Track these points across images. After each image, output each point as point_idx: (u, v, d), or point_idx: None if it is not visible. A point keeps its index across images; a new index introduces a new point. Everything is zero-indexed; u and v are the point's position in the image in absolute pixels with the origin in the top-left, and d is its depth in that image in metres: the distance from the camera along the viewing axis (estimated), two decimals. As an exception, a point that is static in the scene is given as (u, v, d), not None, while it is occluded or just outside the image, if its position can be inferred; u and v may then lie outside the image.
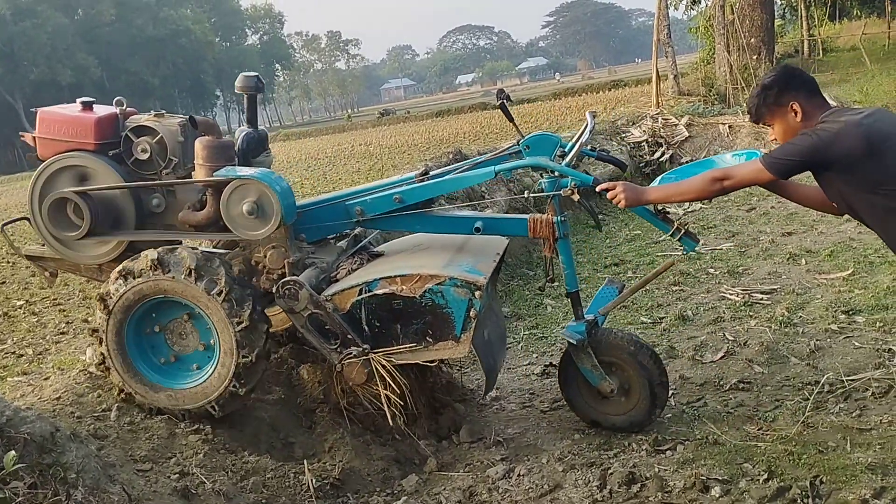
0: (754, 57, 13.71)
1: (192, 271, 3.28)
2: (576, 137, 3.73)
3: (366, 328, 3.40)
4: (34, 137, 3.77)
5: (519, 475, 3.24)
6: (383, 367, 3.32)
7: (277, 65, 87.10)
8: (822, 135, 2.70)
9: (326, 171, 14.31)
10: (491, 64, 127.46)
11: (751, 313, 4.87)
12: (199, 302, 3.32)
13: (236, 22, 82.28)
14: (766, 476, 2.98)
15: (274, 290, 3.40)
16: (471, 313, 3.28)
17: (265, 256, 3.52)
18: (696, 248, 3.52)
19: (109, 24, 63.26)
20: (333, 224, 3.77)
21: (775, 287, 5.32)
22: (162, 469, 3.01)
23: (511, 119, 3.90)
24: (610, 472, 3.11)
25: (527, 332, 5.33)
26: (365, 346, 3.36)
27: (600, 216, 9.16)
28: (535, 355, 4.86)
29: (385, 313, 3.39)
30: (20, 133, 4.02)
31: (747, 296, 5.20)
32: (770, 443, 3.26)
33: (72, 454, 2.61)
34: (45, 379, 3.87)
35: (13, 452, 2.28)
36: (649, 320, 5.14)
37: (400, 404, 3.39)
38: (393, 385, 3.33)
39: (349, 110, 78.77)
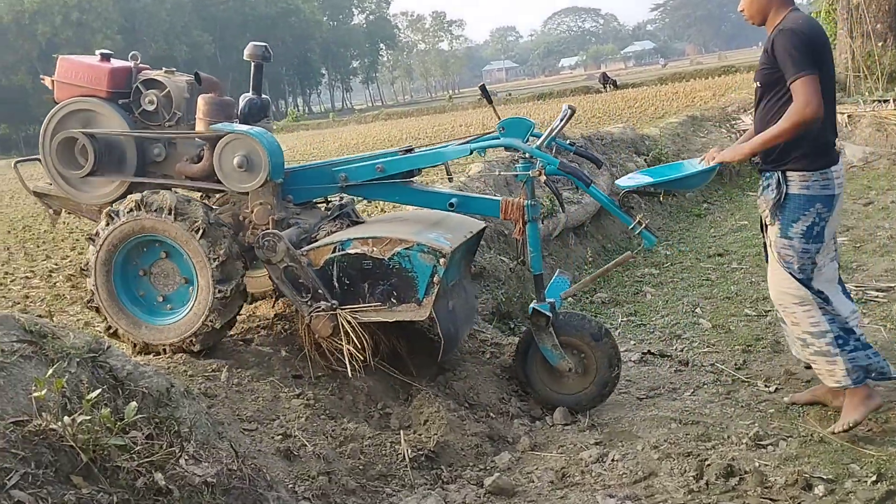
0: (879, 44, 12.96)
1: (172, 210, 3.53)
2: (552, 126, 3.81)
3: (336, 285, 3.59)
4: (52, 80, 4.04)
5: (613, 460, 3.22)
6: (348, 322, 3.49)
7: (382, 44, 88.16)
8: (802, 30, 3.08)
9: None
10: (596, 47, 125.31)
11: (864, 311, 4.66)
12: (178, 239, 3.56)
13: (344, 1, 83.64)
14: (874, 478, 2.86)
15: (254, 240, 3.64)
16: (434, 279, 3.45)
17: (252, 212, 3.75)
18: (655, 244, 3.69)
19: (224, 3, 65.41)
20: (319, 187, 4.00)
21: (892, 285, 5.07)
22: (266, 430, 3.14)
23: (490, 101, 4.07)
24: (707, 463, 3.05)
25: (625, 319, 5.26)
26: (333, 301, 3.54)
27: (705, 205, 8.94)
28: (632, 342, 4.79)
29: (355, 272, 3.57)
30: (41, 76, 4.28)
31: (861, 293, 4.97)
32: (880, 445, 3.13)
33: (185, 409, 2.75)
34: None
35: (134, 403, 2.42)
36: (754, 313, 4.99)
37: (360, 359, 3.50)
38: (356, 340, 3.47)
39: (450, 91, 78.93)
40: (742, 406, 3.69)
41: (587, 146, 8.18)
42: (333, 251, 3.59)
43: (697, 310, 5.22)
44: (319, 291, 3.56)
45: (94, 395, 2.35)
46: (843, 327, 3.25)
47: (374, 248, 3.54)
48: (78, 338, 2.72)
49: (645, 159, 9.02)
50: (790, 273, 3.26)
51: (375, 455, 3.22)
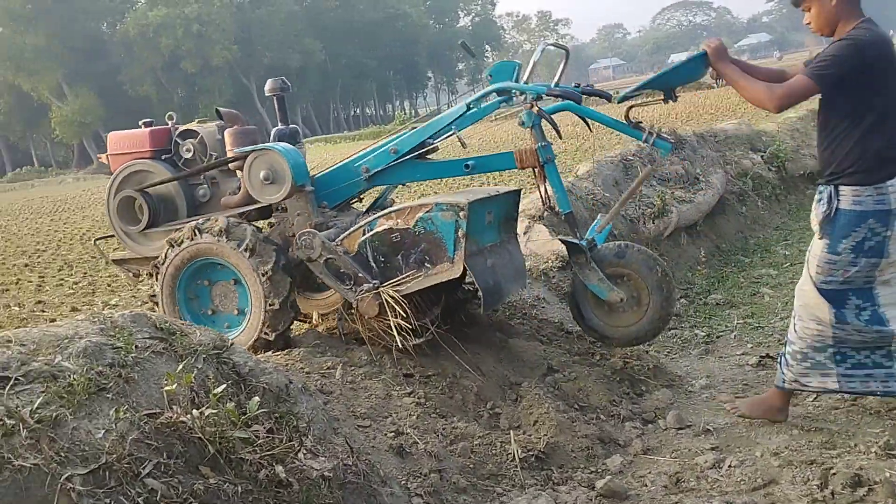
0: None
1: (223, 232, 3.84)
2: (558, 72, 4.02)
3: (373, 265, 3.73)
4: (107, 156, 4.52)
5: (730, 466, 3.12)
6: (392, 297, 3.58)
7: (487, 46, 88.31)
8: (858, 43, 2.97)
9: (533, 152, 14.38)
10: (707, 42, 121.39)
11: None
12: (230, 259, 3.86)
13: (450, 4, 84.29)
14: None
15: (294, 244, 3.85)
16: (459, 233, 3.53)
17: (293, 225, 3.99)
18: (670, 149, 3.68)
19: (333, 10, 67.13)
20: (346, 186, 4.14)
21: None
22: (379, 427, 3.21)
23: (472, 55, 4.40)
24: (832, 472, 2.91)
25: (741, 321, 5.09)
26: (375, 281, 3.66)
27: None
28: (749, 345, 4.63)
29: (387, 248, 3.70)
30: (97, 155, 4.76)
31: None
32: None
33: (303, 405, 2.85)
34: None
35: (256, 398, 2.53)
36: None
37: (409, 329, 3.57)
38: (401, 313, 3.54)
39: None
40: (870, 413, 3.50)
41: (700, 143, 7.96)
42: (363, 234, 3.75)
43: (819, 312, 5.00)
44: (360, 275, 3.69)
45: (220, 389, 2.46)
46: (853, 348, 3.25)
47: (398, 220, 3.67)
48: (204, 335, 2.85)
49: (762, 156, 8.70)
50: (819, 289, 3.23)
51: (486, 454, 3.23)
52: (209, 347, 2.77)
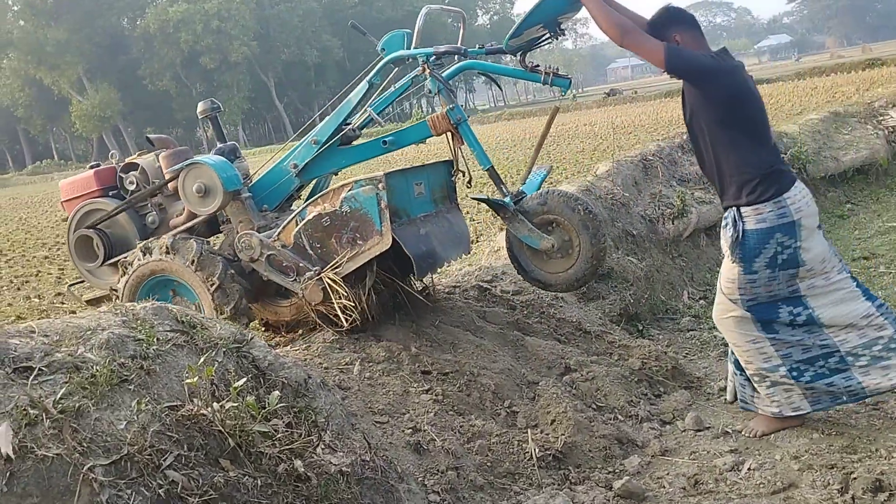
0: None
1: (168, 249, 4.04)
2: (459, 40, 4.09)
3: (311, 253, 3.84)
4: (62, 203, 4.80)
5: (749, 469, 3.10)
6: (333, 281, 3.70)
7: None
8: (721, 63, 3.21)
9: (550, 151, 14.32)
10: (727, 42, 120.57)
11: None
12: (179, 273, 4.05)
13: (468, 2, 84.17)
14: None
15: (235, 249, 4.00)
16: (381, 205, 3.62)
17: (238, 232, 4.11)
18: (569, 86, 3.81)
19: (352, 7, 67.19)
20: (280, 185, 4.29)
21: None
22: (397, 423, 3.21)
23: (364, 32, 4.48)
24: (853, 476, 2.88)
25: (760, 323, 5.04)
26: (315, 268, 3.80)
27: (848, 205, 8.44)
28: (768, 348, 4.59)
29: (320, 234, 3.81)
30: (60, 202, 4.92)
31: None
32: None
33: (321, 400, 2.85)
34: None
35: (277, 393, 2.54)
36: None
37: (354, 309, 3.71)
38: (344, 295, 3.67)
39: (574, 90, 77.99)
40: (892, 418, 3.46)
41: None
42: (296, 224, 3.86)
43: (841, 315, 4.95)
44: (301, 265, 3.83)
45: (240, 383, 2.47)
46: (801, 360, 3.30)
47: (326, 204, 3.78)
48: (224, 329, 2.86)
49: (783, 158, 8.62)
50: (747, 309, 3.29)
51: (503, 452, 3.23)
52: (229, 341, 2.78)
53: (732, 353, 3.52)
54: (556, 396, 3.59)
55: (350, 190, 3.70)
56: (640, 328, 4.94)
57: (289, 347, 3.75)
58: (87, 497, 1.96)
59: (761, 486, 2.98)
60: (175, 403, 2.35)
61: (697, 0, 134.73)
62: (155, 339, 2.55)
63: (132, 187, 4.58)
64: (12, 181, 47.96)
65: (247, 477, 2.28)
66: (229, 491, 2.22)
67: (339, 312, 3.69)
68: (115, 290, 4.34)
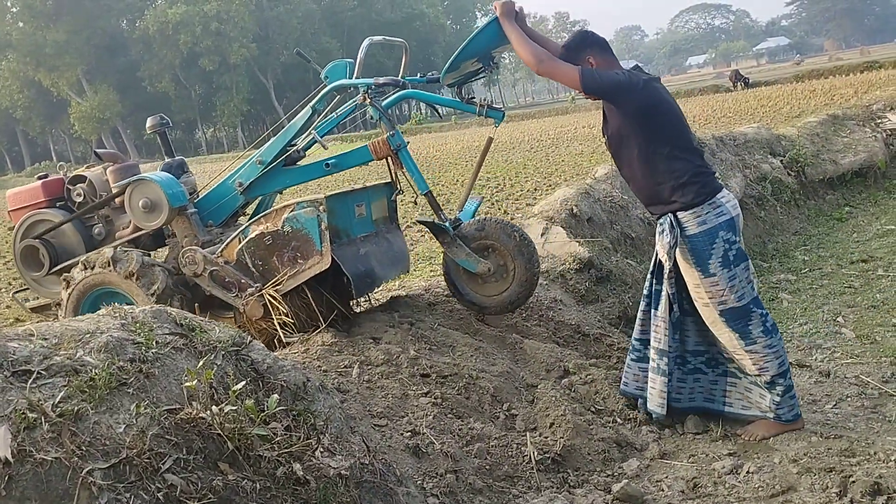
0: None
1: (109, 262, 4.08)
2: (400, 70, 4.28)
3: (253, 270, 3.95)
4: (9, 213, 4.82)
5: (748, 472, 3.10)
6: (273, 297, 3.82)
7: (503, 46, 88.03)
8: (633, 78, 3.33)
9: (549, 153, 14.34)
10: (725, 44, 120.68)
11: None
12: (120, 285, 4.10)
13: (467, 5, 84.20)
14: None
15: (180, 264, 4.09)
16: (322, 226, 3.76)
17: (183, 246, 4.24)
18: (502, 117, 3.95)
19: (352, 10, 67.26)
20: (226, 202, 4.40)
21: None
22: (395, 426, 3.21)
23: (308, 60, 4.64)
24: (852, 480, 2.88)
25: (759, 326, 5.04)
26: (256, 284, 3.91)
27: (847, 208, 8.45)
28: (767, 351, 4.59)
29: (263, 252, 3.92)
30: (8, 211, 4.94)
31: None
32: None
33: (320, 403, 2.85)
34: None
35: (275, 396, 2.53)
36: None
37: (294, 326, 3.83)
38: (283, 310, 3.77)
39: (573, 93, 77.99)
40: (890, 421, 3.47)
41: (718, 146, 7.91)
42: (240, 242, 3.97)
43: (839, 318, 4.96)
44: (242, 281, 3.94)
45: (239, 386, 2.47)
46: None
47: (268, 224, 3.90)
48: (223, 332, 2.86)
49: (781, 160, 8.64)
50: (721, 312, 3.34)
51: (502, 456, 3.23)
52: (228, 344, 2.78)
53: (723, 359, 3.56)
54: (554, 399, 3.59)
55: (292, 211, 3.83)
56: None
57: (287, 350, 3.75)
58: (85, 501, 1.96)
59: (760, 489, 2.98)
60: (174, 407, 2.34)
61: (696, 3, 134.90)
62: (154, 343, 2.55)
63: (79, 199, 4.65)
64: (11, 183, 47.86)
65: (246, 480, 2.28)
66: (228, 494, 2.21)
67: (278, 328, 3.78)
68: (59, 304, 4.39)
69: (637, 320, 3.65)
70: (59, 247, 4.63)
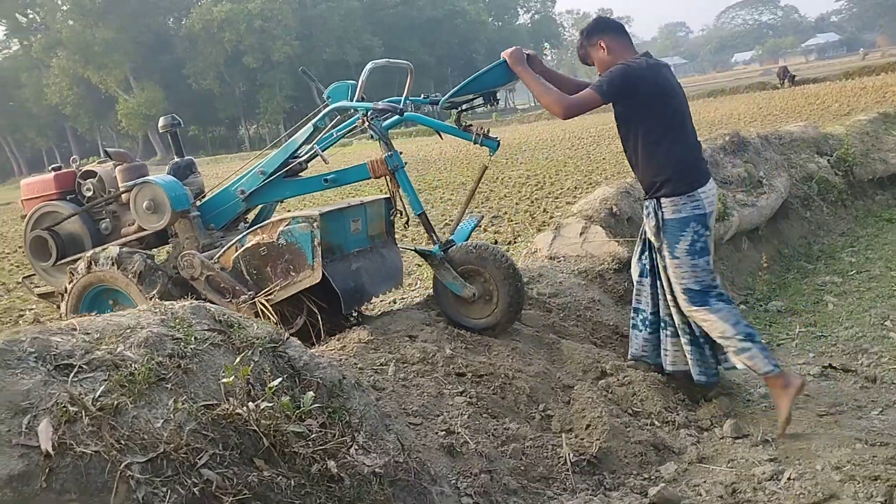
0: None
1: (114, 261, 4.21)
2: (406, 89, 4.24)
3: (248, 278, 4.07)
4: (21, 201, 4.98)
5: (789, 478, 3.04)
6: (264, 307, 3.94)
7: (546, 43, 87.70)
8: (642, 68, 3.51)
9: (590, 151, 14.23)
10: (773, 41, 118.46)
11: None
12: (121, 285, 4.22)
13: (509, 2, 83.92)
14: None
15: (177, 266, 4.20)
16: (315, 242, 3.87)
17: (184, 248, 4.37)
18: (496, 147, 3.99)
19: (393, 7, 67.48)
20: (228, 207, 4.53)
21: None
22: (430, 425, 3.21)
23: (313, 79, 4.76)
24: (898, 489, 2.81)
25: (803, 329, 4.95)
26: (250, 292, 4.02)
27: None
28: (811, 354, 4.50)
29: (258, 261, 4.05)
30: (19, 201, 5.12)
31: None
32: None
33: (356, 401, 2.86)
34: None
35: (311, 393, 2.55)
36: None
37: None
38: (273, 319, 3.81)
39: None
40: (938, 430, 3.37)
41: (764, 145, 7.77)
42: (236, 250, 4.10)
43: (887, 322, 4.83)
44: (237, 288, 4.06)
45: (275, 383, 2.49)
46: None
47: (264, 235, 4.02)
48: (260, 329, 2.89)
49: (828, 160, 8.45)
50: (685, 289, 3.62)
51: (537, 457, 3.20)
52: (266, 340, 2.81)
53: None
54: (591, 401, 3.56)
55: (287, 225, 3.95)
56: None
57: (324, 347, 3.77)
58: (123, 494, 1.99)
59: (801, 496, 2.92)
60: (211, 402, 2.37)
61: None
62: (192, 339, 2.58)
63: (89, 194, 4.79)
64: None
65: (280, 477, 2.29)
66: (263, 490, 2.23)
67: None
68: (63, 294, 4.51)
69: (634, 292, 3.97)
70: (67, 239, 4.79)
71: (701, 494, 3.06)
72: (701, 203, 3.55)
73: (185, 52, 62.41)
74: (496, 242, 7.92)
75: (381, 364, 3.57)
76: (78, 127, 68.22)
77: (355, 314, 4.62)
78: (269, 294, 3.99)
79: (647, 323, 3.91)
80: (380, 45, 63.04)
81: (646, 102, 3.52)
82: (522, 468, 3.12)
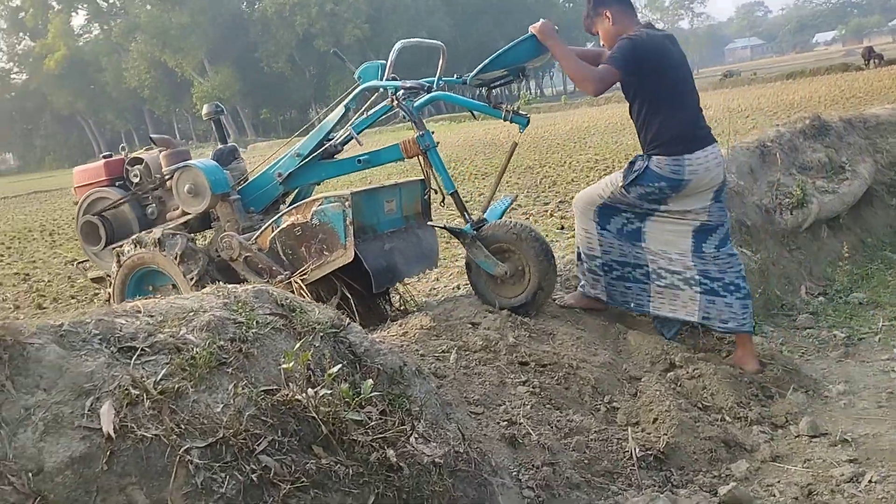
0: None
1: (157, 243, 4.31)
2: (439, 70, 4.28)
3: (284, 258, 4.15)
4: (74, 188, 5.16)
5: (870, 481, 2.87)
6: (300, 287, 3.98)
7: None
8: (646, 40, 3.69)
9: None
10: (857, 20, 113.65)
11: None
12: (163, 266, 4.33)
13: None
14: None
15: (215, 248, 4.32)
16: (347, 221, 3.92)
17: (225, 231, 4.45)
18: (526, 123, 3.95)
19: (467, -12, 67.08)
20: (266, 191, 4.60)
21: None
22: (492, 414, 3.15)
23: (343, 60, 4.90)
24: None
25: (887, 323, 4.70)
26: (286, 272, 4.09)
27: None
28: (895, 350, 4.27)
29: (293, 241, 4.12)
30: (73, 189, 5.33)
31: None
32: None
33: (416, 388, 2.82)
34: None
35: (370, 381, 2.51)
36: None
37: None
38: (308, 299, 3.70)
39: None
40: None
41: (846, 129, 7.42)
42: (272, 230, 4.18)
43: (979, 317, 4.56)
44: (273, 268, 4.14)
45: (335, 369, 2.46)
46: (615, 261, 4.07)
47: (299, 215, 4.10)
48: (322, 314, 2.87)
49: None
50: (598, 196, 4.00)
51: (601, 450, 3.12)
52: (327, 326, 2.78)
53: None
54: (659, 394, 3.45)
55: (320, 205, 4.02)
56: (753, 324, 4.69)
57: (385, 333, 3.74)
58: (182, 479, 1.99)
59: (883, 500, 2.76)
60: (271, 388, 2.36)
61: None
62: (254, 323, 2.58)
63: (136, 180, 4.93)
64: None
65: (339, 465, 2.27)
66: (321, 478, 2.21)
67: None
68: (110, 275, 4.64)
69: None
70: (116, 224, 4.94)
71: (774, 495, 2.93)
72: (682, 169, 3.73)
73: (258, 36, 63.39)
74: (562, 228, 7.79)
75: (442, 351, 3.53)
76: (155, 110, 70.13)
77: (399, 304, 4.69)
78: (304, 274, 4.06)
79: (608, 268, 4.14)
80: (450, 25, 62.84)
81: (648, 75, 3.70)
82: (586, 461, 3.04)
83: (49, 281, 7.85)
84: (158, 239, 4.36)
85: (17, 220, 16.41)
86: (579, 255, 4.19)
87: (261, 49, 62.91)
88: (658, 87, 3.74)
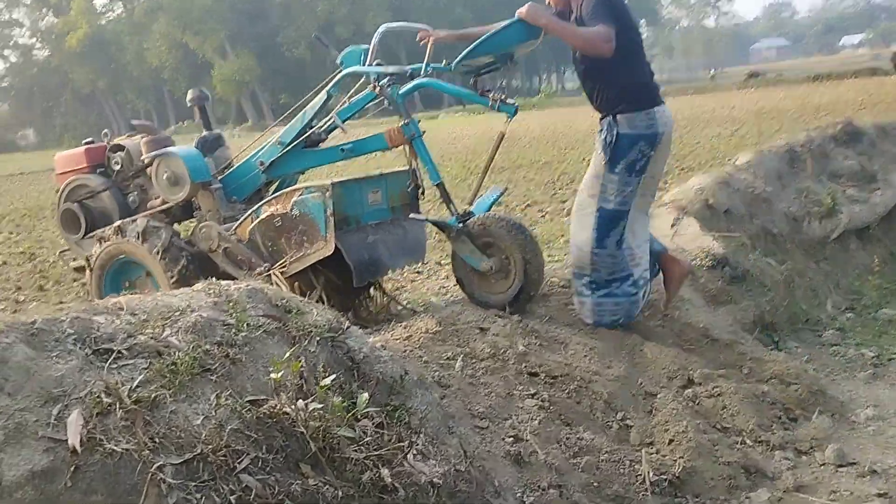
0: None
1: (139, 234, 4.22)
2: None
3: (263, 250, 4.06)
4: (55, 175, 5.05)
5: (902, 520, 2.67)
6: (279, 279, 3.91)
7: (642, 20, 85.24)
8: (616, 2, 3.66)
9: (683, 135, 13.55)
10: (886, 24, 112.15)
11: None
12: (145, 260, 4.26)
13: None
14: None
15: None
16: (328, 213, 3.81)
17: (206, 220, 4.35)
18: (514, 111, 3.83)
19: (487, -20, 66.60)
20: (248, 179, 4.46)
21: None
22: (497, 429, 2.96)
23: (326, 45, 4.80)
24: None
25: (919, 343, 4.47)
26: (266, 264, 4.00)
27: None
28: (927, 372, 4.05)
29: (273, 233, 4.02)
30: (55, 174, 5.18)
31: None
32: None
33: (417, 399, 2.64)
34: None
35: (365, 395, 2.33)
36: None
37: None
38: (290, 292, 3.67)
39: (712, 70, 74.63)
40: None
41: (880, 136, 7.15)
42: (252, 221, 4.08)
43: None
44: (253, 260, 4.05)
45: (327, 381, 2.28)
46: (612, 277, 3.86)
47: (279, 206, 4.00)
48: (320, 315, 2.69)
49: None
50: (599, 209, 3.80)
51: (612, 472, 2.92)
52: (324, 329, 2.61)
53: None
54: (675, 412, 3.25)
55: (301, 195, 3.92)
56: (776, 339, 4.46)
57: (389, 336, 3.55)
58: (154, 498, 1.83)
59: (916, 543, 2.56)
60: (258, 398, 2.19)
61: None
62: (245, 325, 2.41)
63: (117, 167, 4.82)
64: (156, 140, 50.56)
65: (327, 486, 2.09)
66: (307, 500, 2.04)
67: None
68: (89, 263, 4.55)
69: None
70: (97, 212, 4.82)
71: (797, 530, 2.73)
72: (655, 122, 3.70)
73: (280, 21, 63.22)
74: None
75: (447, 358, 3.33)
76: (175, 91, 70.17)
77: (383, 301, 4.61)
78: (283, 266, 3.95)
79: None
80: (470, 17, 62.44)
81: (621, 28, 3.62)
82: (595, 484, 2.84)
83: (53, 262, 7.71)
84: (142, 231, 4.26)
85: (31, 198, 16.34)
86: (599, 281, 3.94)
87: (282, 34, 62.75)
88: (626, 39, 3.66)
